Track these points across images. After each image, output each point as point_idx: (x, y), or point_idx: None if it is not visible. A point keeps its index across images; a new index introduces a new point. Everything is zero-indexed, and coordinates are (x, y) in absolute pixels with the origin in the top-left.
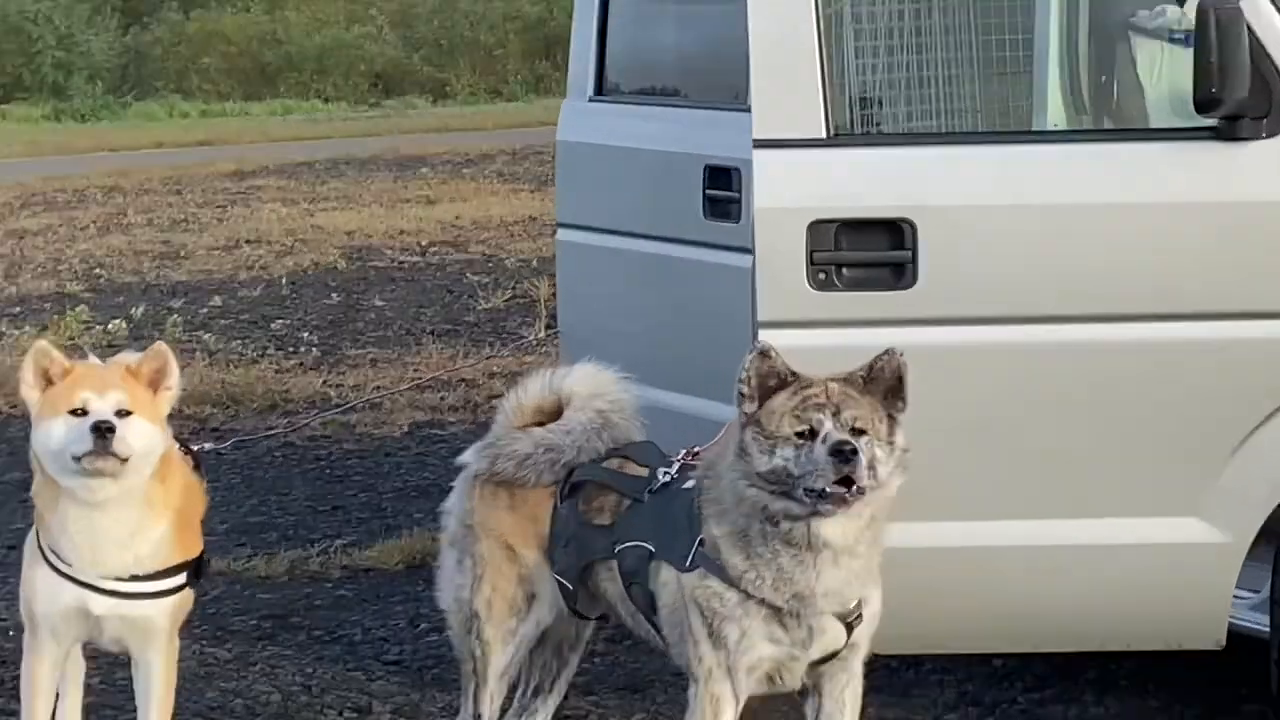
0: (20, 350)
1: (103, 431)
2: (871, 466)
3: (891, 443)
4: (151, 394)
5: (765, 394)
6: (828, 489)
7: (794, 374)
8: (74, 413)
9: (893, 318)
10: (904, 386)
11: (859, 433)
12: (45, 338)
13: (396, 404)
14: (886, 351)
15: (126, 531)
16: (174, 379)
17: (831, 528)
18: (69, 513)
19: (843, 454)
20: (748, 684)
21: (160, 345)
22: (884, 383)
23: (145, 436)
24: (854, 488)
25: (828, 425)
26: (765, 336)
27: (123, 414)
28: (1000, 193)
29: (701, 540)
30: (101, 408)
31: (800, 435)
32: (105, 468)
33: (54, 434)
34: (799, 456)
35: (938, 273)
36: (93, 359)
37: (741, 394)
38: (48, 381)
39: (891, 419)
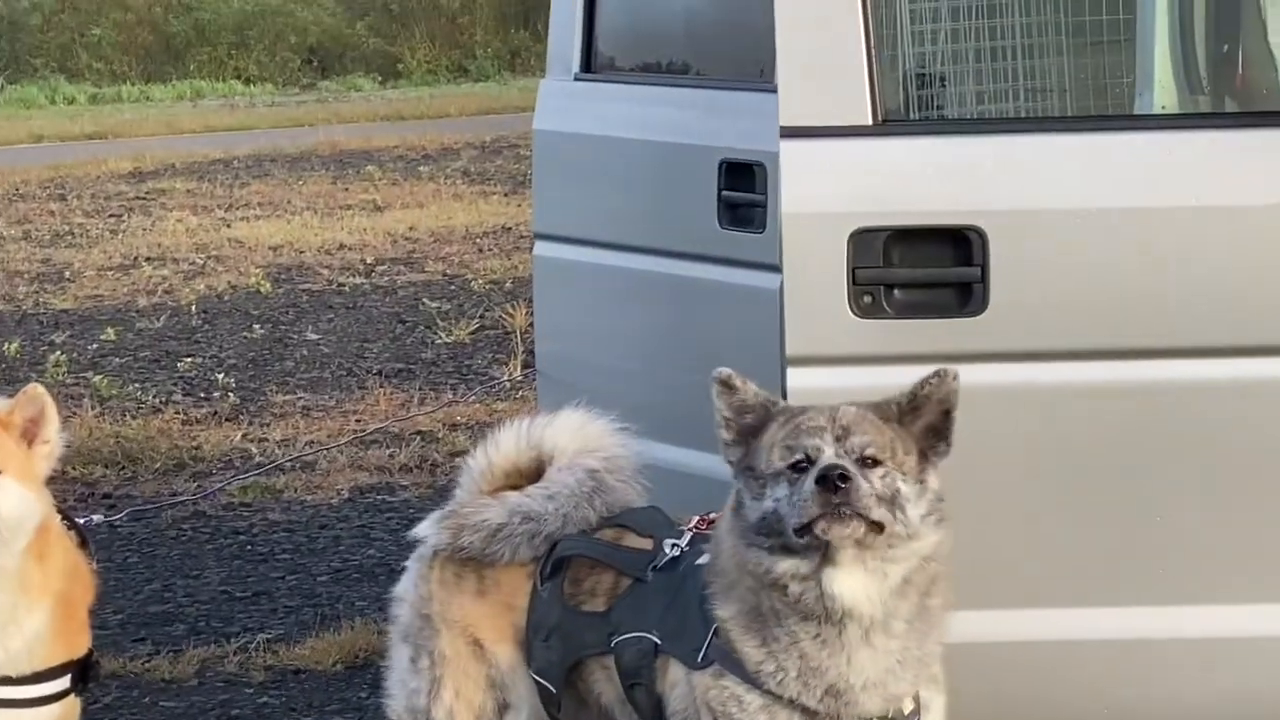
0: None
1: None
2: (895, 503)
3: (923, 482)
4: (25, 449)
5: (751, 433)
6: (819, 523)
7: (774, 403)
8: None
9: (956, 351)
10: (950, 424)
11: (872, 462)
12: None
13: (334, 463)
14: (937, 372)
15: None
16: (53, 430)
17: (847, 585)
18: None
19: (829, 480)
20: None
21: (35, 388)
22: (926, 415)
23: (15, 501)
24: (855, 522)
25: (827, 451)
26: (796, 376)
27: None
28: (1093, 194)
29: (716, 629)
30: None
31: (794, 467)
32: None
33: None
34: (792, 494)
35: (1013, 295)
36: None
37: (725, 441)
38: None
39: (925, 458)
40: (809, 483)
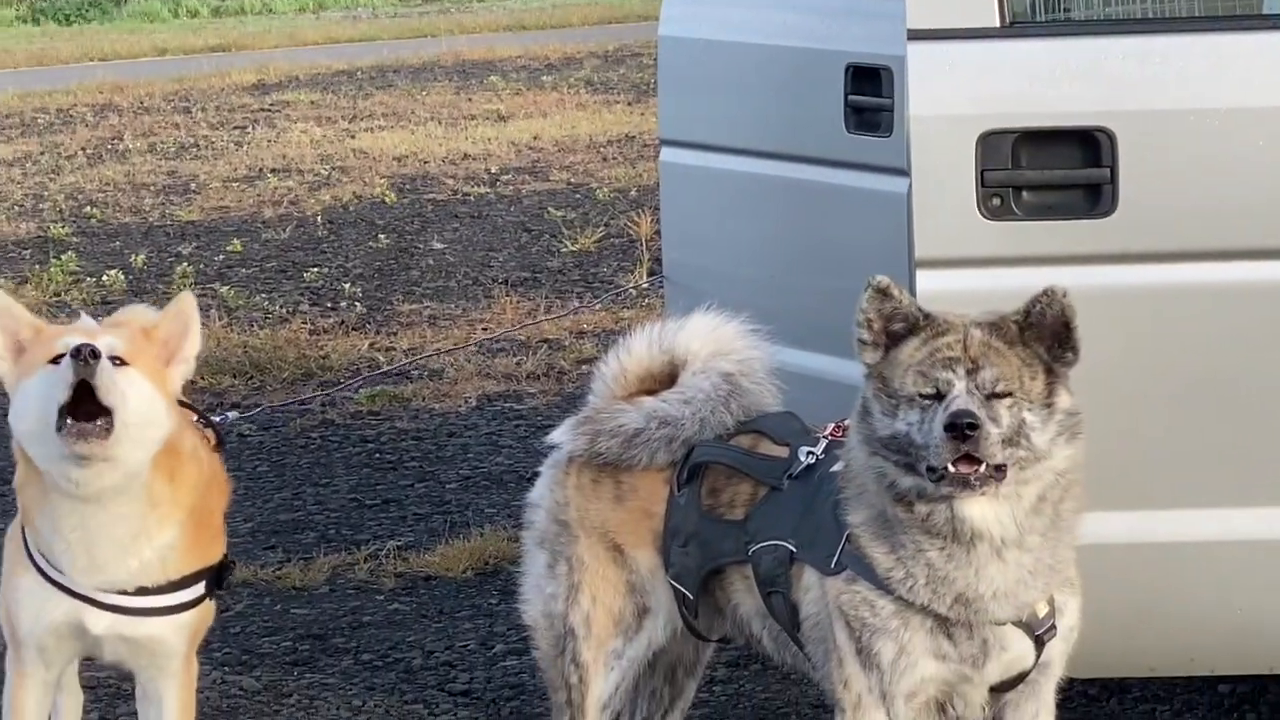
0: None
1: (85, 358)
2: (1021, 435)
3: (1050, 404)
4: (162, 365)
5: (892, 340)
6: (949, 469)
7: (926, 315)
8: (55, 363)
9: (1085, 253)
10: (1073, 334)
11: (1001, 395)
12: (23, 294)
13: (461, 371)
14: (1045, 292)
15: (128, 533)
16: (193, 347)
17: (979, 511)
18: (59, 508)
19: (958, 428)
20: (908, 714)
21: (186, 300)
22: (1046, 330)
23: (146, 398)
24: (982, 468)
25: (958, 387)
26: (925, 278)
27: (118, 362)
28: (1225, 93)
29: (849, 535)
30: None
31: (926, 397)
32: (88, 449)
33: (30, 395)
34: (923, 423)
35: (1143, 195)
36: (85, 319)
37: (862, 341)
38: (19, 348)
39: (1051, 375)
40: (938, 426)
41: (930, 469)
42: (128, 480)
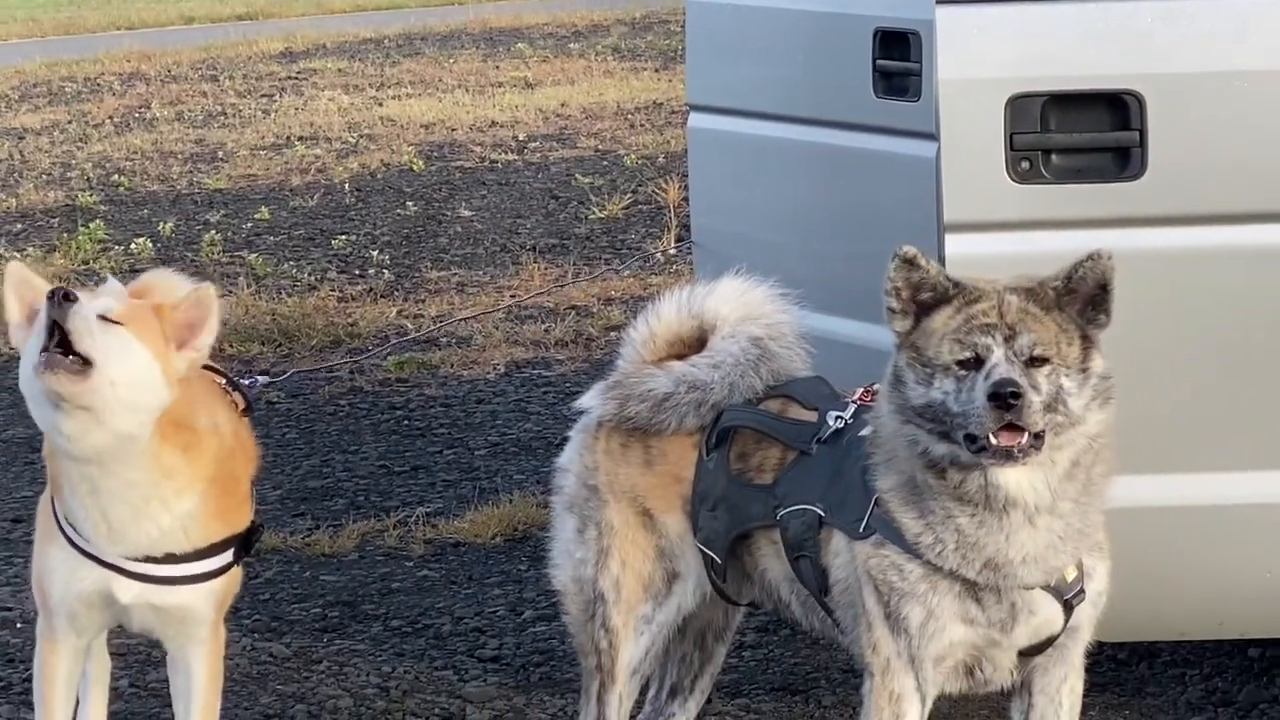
0: None
1: (58, 301)
2: (1058, 401)
3: (1085, 369)
4: (170, 345)
5: (922, 309)
6: (990, 439)
7: (955, 284)
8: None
9: (1115, 216)
10: (1108, 297)
11: (1039, 361)
12: (52, 263)
13: (489, 338)
14: (1091, 255)
15: (140, 499)
16: (208, 340)
17: (1013, 478)
18: (71, 474)
19: (1001, 397)
20: (937, 678)
21: (208, 291)
22: (1083, 293)
23: (136, 359)
24: (1024, 438)
25: (996, 354)
26: (954, 242)
27: (110, 321)
28: (1254, 56)
29: (877, 500)
30: (82, 304)
31: (963, 364)
32: (56, 382)
33: (25, 350)
34: (959, 392)
35: (1172, 159)
36: (112, 282)
37: (891, 309)
38: (33, 314)
39: (1086, 339)
40: (980, 395)
41: (970, 438)
42: (121, 443)
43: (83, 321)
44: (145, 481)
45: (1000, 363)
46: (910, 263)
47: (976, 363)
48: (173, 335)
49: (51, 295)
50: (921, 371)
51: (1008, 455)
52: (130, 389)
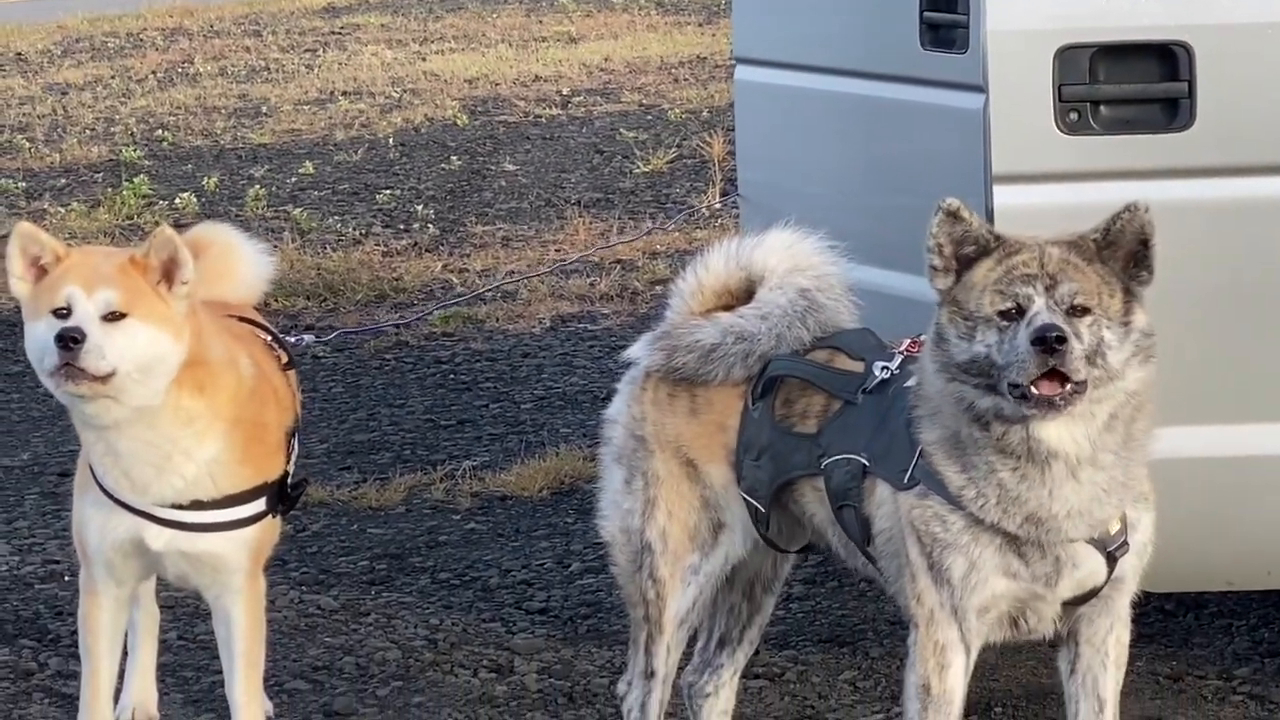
0: (67, 233)
1: (67, 343)
2: (1099, 354)
3: (1127, 323)
4: (161, 290)
5: (964, 264)
6: (1031, 389)
7: (997, 237)
8: (57, 313)
9: (1163, 167)
10: (1150, 252)
11: (1081, 311)
12: (96, 217)
13: (535, 292)
14: (1128, 206)
15: (160, 455)
16: (188, 271)
17: (1055, 432)
18: (86, 436)
19: (1045, 342)
20: (981, 628)
21: (163, 231)
22: (1124, 247)
23: (142, 345)
24: (1067, 386)
25: (1038, 303)
26: (1003, 193)
27: (114, 317)
28: None
29: (921, 451)
30: (84, 311)
31: (1004, 315)
32: (79, 390)
33: (32, 340)
34: (1003, 342)
35: (1221, 110)
36: (166, 229)
37: (933, 267)
38: (41, 272)
39: (1129, 294)
40: (1023, 341)
41: (1014, 386)
42: (139, 413)
43: (95, 356)
44: (163, 438)
45: (1042, 310)
46: (954, 215)
47: (1018, 313)
48: (161, 279)
49: (60, 339)
50: (963, 326)
51: (1050, 405)
52: (148, 372)
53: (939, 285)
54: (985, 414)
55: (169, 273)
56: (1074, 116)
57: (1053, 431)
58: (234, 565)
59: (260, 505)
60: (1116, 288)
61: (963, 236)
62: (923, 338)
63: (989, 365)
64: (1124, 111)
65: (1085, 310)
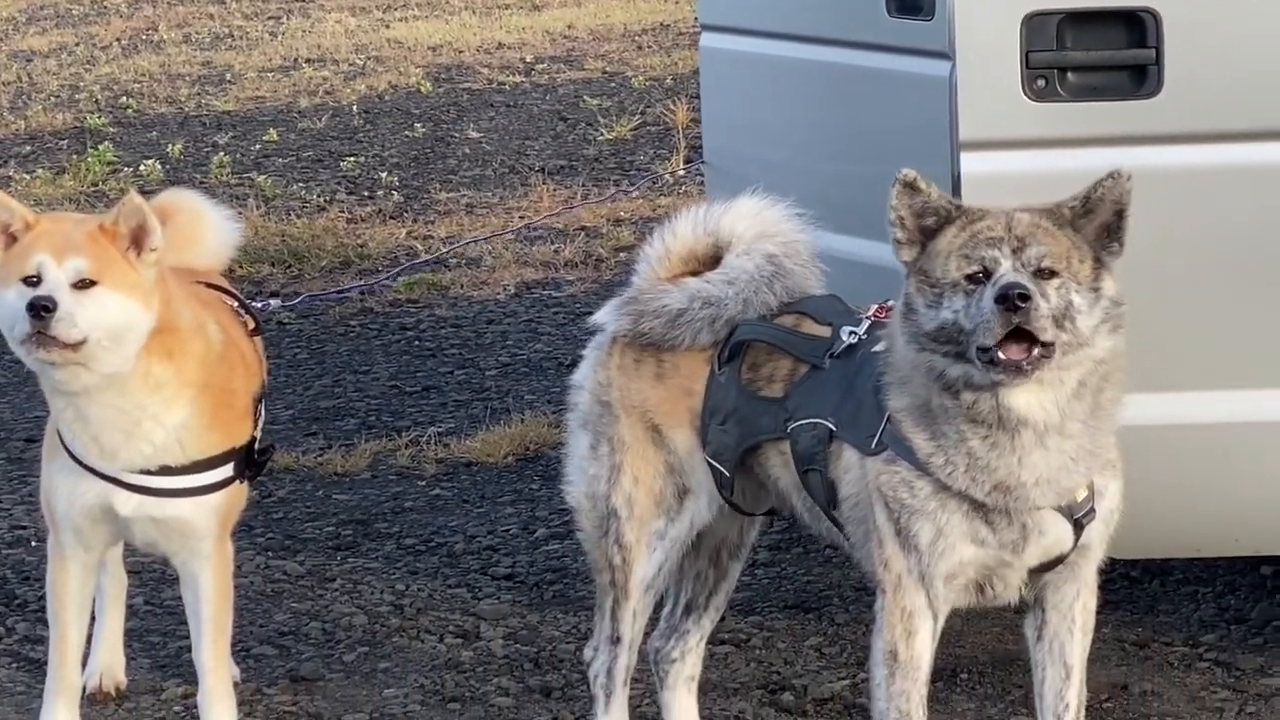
0: (32, 200)
1: (39, 311)
2: (1066, 317)
3: (1096, 289)
4: (130, 257)
5: (927, 235)
6: (998, 353)
7: (957, 207)
8: (27, 281)
9: (1131, 134)
10: (1124, 223)
11: (1048, 274)
12: (61, 184)
13: (499, 259)
14: (1111, 174)
15: (129, 421)
16: (157, 238)
17: (1023, 399)
18: (55, 402)
19: (1009, 300)
20: (948, 594)
21: (132, 198)
22: (1100, 216)
23: (112, 312)
24: (1035, 350)
25: (1004, 265)
26: (970, 160)
27: (84, 284)
28: None
29: (889, 417)
30: (54, 279)
31: (971, 279)
32: (50, 356)
33: (4, 307)
34: (969, 307)
35: (1188, 76)
36: (133, 195)
37: (897, 240)
38: (10, 239)
39: (1099, 262)
40: (988, 300)
41: (982, 350)
42: (109, 380)
43: (66, 324)
44: (133, 405)
45: (1009, 273)
46: (911, 186)
47: (985, 276)
48: (129, 245)
49: (31, 308)
50: (930, 294)
51: (1018, 369)
52: (118, 339)
53: (904, 257)
54: (955, 382)
55: (138, 240)
56: (1041, 83)
57: (1022, 399)
58: (202, 530)
59: (228, 471)
60: (1087, 254)
61: (923, 208)
62: (890, 303)
63: (957, 331)
64: (1092, 78)
65: (1053, 273)
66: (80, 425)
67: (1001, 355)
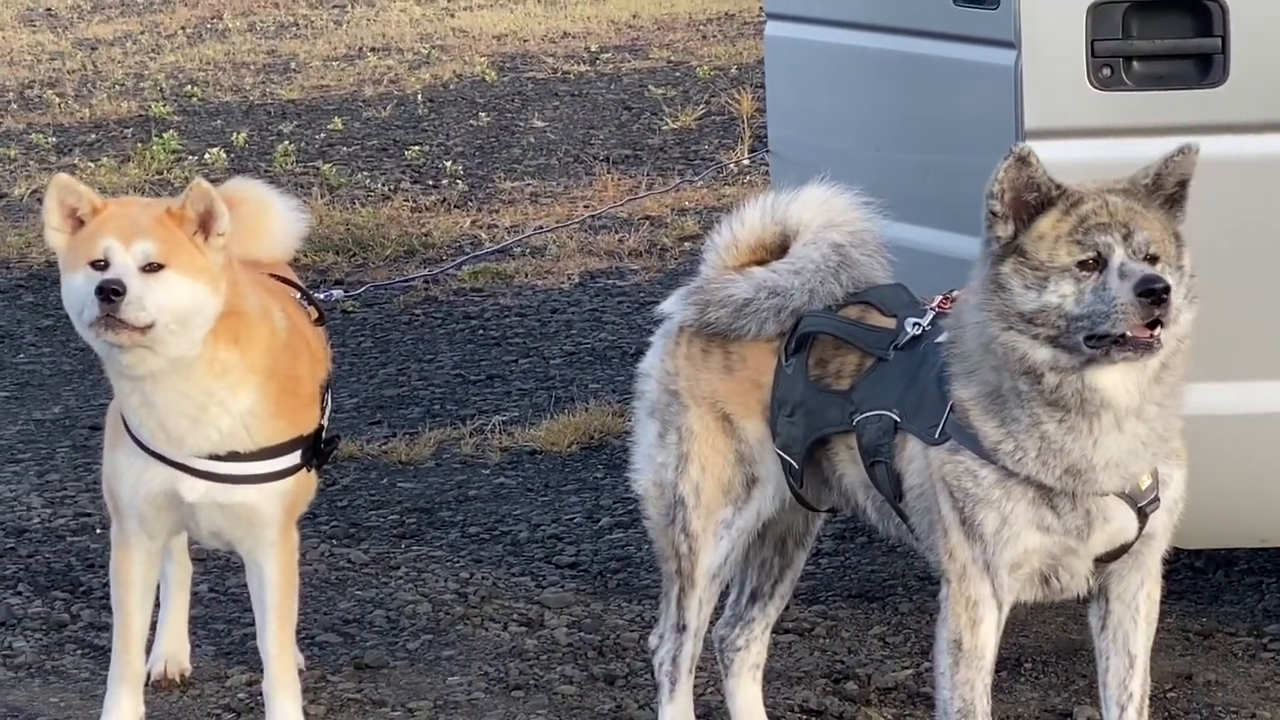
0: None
1: (108, 295)
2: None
3: (1181, 267)
4: (198, 242)
5: (1023, 213)
6: (1129, 333)
7: (1058, 187)
8: (95, 264)
9: (1196, 123)
10: (1186, 194)
11: (1153, 260)
12: (126, 172)
13: (564, 248)
14: (1181, 149)
15: (195, 407)
16: (225, 223)
17: (1109, 380)
18: (121, 387)
19: (1154, 294)
20: (1013, 584)
21: (200, 184)
22: (1166, 190)
23: (180, 296)
24: (1158, 330)
25: (1119, 253)
26: (1035, 149)
27: (152, 268)
28: None
29: (953, 406)
30: (122, 262)
31: (1083, 265)
32: (118, 340)
33: (70, 292)
34: (1081, 293)
35: (1254, 65)
36: (199, 181)
37: (993, 213)
38: (78, 223)
39: (1178, 238)
40: (1126, 291)
41: (1095, 336)
42: (175, 364)
43: (135, 307)
44: (199, 390)
45: (1127, 260)
46: (1023, 161)
47: (1097, 263)
48: (198, 230)
49: (100, 291)
50: (1031, 276)
51: (1148, 347)
52: (186, 324)
53: (998, 232)
54: (1039, 366)
55: (205, 224)
56: (1106, 72)
57: (1108, 381)
58: (268, 518)
59: (295, 458)
60: (1171, 232)
61: (1027, 183)
62: (955, 294)
63: (1059, 315)
64: (1157, 67)
65: (1156, 259)
66: (146, 410)
67: (1131, 334)
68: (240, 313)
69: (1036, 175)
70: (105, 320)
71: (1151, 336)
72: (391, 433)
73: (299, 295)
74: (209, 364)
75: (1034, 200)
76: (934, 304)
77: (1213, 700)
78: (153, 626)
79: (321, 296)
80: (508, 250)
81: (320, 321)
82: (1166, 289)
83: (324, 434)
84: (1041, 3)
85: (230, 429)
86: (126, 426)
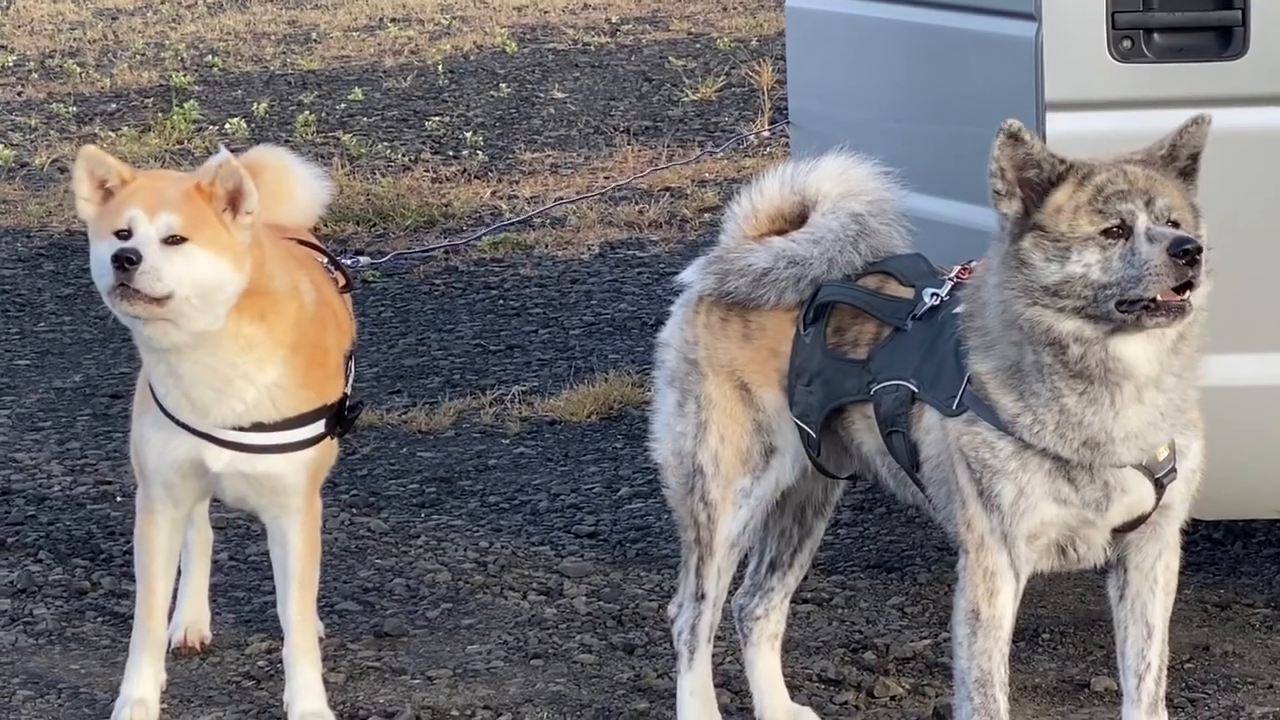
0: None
1: (123, 263)
2: None
3: (1199, 237)
4: (225, 218)
5: (1030, 189)
6: (1160, 298)
7: (1061, 160)
8: (119, 234)
9: (1216, 95)
10: (1198, 165)
11: (1175, 225)
12: (147, 142)
13: (584, 219)
14: (1195, 119)
15: (220, 379)
16: (253, 201)
17: (1132, 349)
18: (147, 358)
19: (1188, 254)
20: (1030, 555)
21: (230, 163)
22: (1180, 161)
23: (201, 270)
24: (1187, 294)
25: (1142, 219)
26: (1055, 121)
27: (174, 240)
28: None
29: (970, 378)
30: (144, 233)
31: (1108, 233)
32: (133, 310)
33: (97, 259)
34: (1107, 260)
35: (1275, 38)
36: (224, 152)
37: (996, 192)
38: (107, 194)
39: (1195, 208)
40: (1158, 254)
41: (1127, 302)
42: (199, 338)
43: (150, 277)
44: (224, 364)
45: (1153, 224)
46: (1015, 138)
47: (1121, 230)
48: (224, 206)
49: (116, 259)
50: (1054, 249)
51: (1180, 311)
52: (207, 298)
53: (1004, 210)
54: (1064, 337)
55: (234, 201)
56: (1127, 44)
57: (1131, 350)
58: (293, 486)
59: (320, 427)
60: (1188, 201)
61: (1025, 159)
62: (973, 264)
63: (1085, 284)
64: (1177, 39)
65: (1177, 225)
66: (172, 381)
67: (1162, 299)
68: (268, 290)
69: (1033, 151)
70: (121, 289)
71: (1183, 300)
72: (411, 402)
73: (325, 261)
74: (234, 338)
75: (1038, 176)
76: (952, 274)
77: (1230, 671)
78: (174, 595)
79: (348, 263)
80: (528, 221)
81: (347, 288)
82: (1199, 249)
83: (348, 401)
84: None
85: (255, 401)
86: (154, 395)
